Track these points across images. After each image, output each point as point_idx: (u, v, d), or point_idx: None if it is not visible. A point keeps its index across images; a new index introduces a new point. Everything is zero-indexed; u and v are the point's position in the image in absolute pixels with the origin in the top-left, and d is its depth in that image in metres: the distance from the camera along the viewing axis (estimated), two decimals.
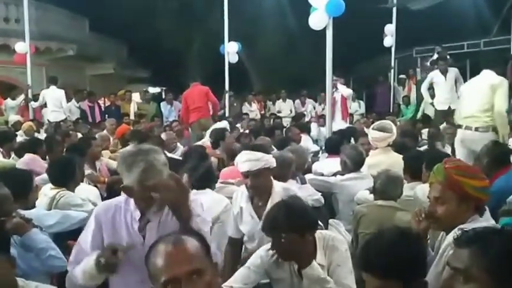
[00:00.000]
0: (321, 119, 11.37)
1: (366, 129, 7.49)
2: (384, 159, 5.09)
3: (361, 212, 3.75)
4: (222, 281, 2.28)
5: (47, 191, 3.97)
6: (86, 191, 4.38)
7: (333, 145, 5.80)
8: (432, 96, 9.74)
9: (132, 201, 2.37)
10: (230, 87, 11.96)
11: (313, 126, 10.71)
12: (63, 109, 11.07)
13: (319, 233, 2.66)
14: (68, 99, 11.58)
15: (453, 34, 14.09)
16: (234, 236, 3.53)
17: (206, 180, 4.10)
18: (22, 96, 11.67)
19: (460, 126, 5.93)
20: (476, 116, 5.73)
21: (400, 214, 3.46)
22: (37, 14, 14.46)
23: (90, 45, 17.07)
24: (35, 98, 11.35)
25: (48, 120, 10.83)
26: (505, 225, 2.49)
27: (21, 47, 11.29)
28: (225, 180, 4.75)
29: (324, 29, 6.64)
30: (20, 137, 7.76)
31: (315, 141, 9.28)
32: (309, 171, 5.34)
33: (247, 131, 8.73)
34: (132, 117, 11.65)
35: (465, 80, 9.53)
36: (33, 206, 3.59)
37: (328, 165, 5.40)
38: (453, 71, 9.52)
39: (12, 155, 6.14)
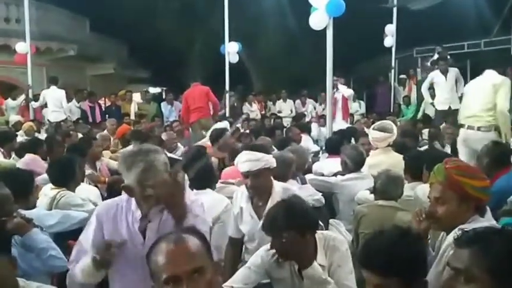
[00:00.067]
0: (321, 119, 11.38)
1: (366, 129, 7.49)
2: (384, 159, 5.09)
3: (361, 212, 3.75)
4: (222, 280, 2.28)
5: (47, 191, 3.98)
6: (86, 191, 4.38)
7: (333, 145, 5.80)
8: (433, 96, 9.74)
9: (133, 200, 2.38)
10: (230, 87, 11.96)
11: (314, 126, 10.72)
12: (63, 109, 11.08)
13: (319, 233, 2.65)
14: (69, 100, 11.59)
15: (453, 34, 14.09)
16: (234, 236, 3.53)
17: (206, 180, 4.10)
18: (23, 97, 11.68)
19: (462, 126, 5.94)
20: (478, 116, 5.73)
21: (401, 214, 3.46)
22: (38, 14, 14.47)
23: (91, 46, 17.07)
24: (36, 98, 11.35)
25: (48, 121, 10.84)
26: (505, 225, 2.49)
27: (22, 47, 11.29)
28: (226, 180, 4.76)
29: (325, 29, 6.64)
30: (21, 137, 7.76)
31: (316, 142, 9.29)
32: (310, 171, 5.34)
33: (247, 131, 8.73)
34: (132, 117, 11.66)
35: (465, 80, 9.56)
36: (34, 206, 3.60)
37: (328, 165, 5.40)
38: (453, 71, 9.52)
39: (13, 155, 6.15)
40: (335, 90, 9.84)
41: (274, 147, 5.74)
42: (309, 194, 4.16)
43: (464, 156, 5.45)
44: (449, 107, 9.24)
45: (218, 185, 4.38)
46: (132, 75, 19.16)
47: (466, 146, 5.72)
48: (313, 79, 12.49)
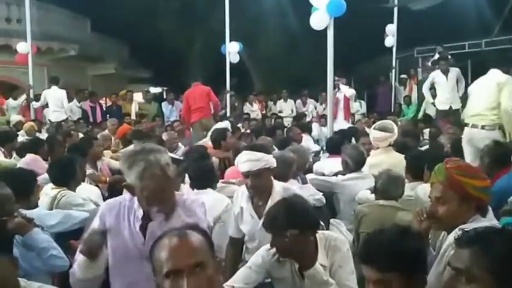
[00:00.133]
0: (322, 118, 11.38)
1: (367, 129, 7.49)
2: (385, 159, 5.09)
3: (362, 211, 3.75)
4: (223, 280, 2.28)
5: (48, 191, 3.98)
6: (87, 191, 4.39)
7: (334, 145, 5.81)
8: (434, 96, 9.74)
9: (135, 199, 2.39)
10: (231, 87, 11.96)
11: (315, 126, 10.71)
12: (64, 109, 11.09)
13: (320, 233, 2.65)
14: (70, 99, 11.60)
15: (454, 34, 14.06)
16: (234, 236, 3.53)
17: (207, 180, 4.12)
18: (24, 96, 11.69)
19: (466, 125, 5.94)
20: (482, 114, 5.74)
21: (401, 214, 3.46)
22: (39, 14, 14.49)
23: (92, 46, 17.07)
24: (37, 98, 11.36)
25: (49, 120, 10.85)
26: (505, 225, 2.49)
27: (23, 47, 11.30)
28: (226, 180, 4.77)
29: (325, 29, 6.64)
30: (22, 137, 7.77)
31: (316, 141, 9.28)
32: (310, 171, 5.34)
33: (248, 131, 8.73)
34: (133, 117, 11.66)
35: (466, 80, 9.56)
36: (36, 206, 3.60)
37: (329, 165, 5.40)
38: (454, 71, 9.52)
39: (14, 154, 6.15)
40: (337, 90, 9.87)
41: (275, 147, 5.74)
42: (310, 194, 4.16)
43: (469, 156, 5.44)
44: (450, 106, 9.24)
45: (219, 184, 4.38)
46: (133, 75, 19.16)
47: (470, 145, 5.71)
48: (314, 79, 12.48)
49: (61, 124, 9.97)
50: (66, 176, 4.06)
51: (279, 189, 3.35)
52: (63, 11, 16.77)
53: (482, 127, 5.70)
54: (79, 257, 2.33)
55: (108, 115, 11.70)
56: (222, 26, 11.75)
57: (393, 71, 13.35)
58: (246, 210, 3.40)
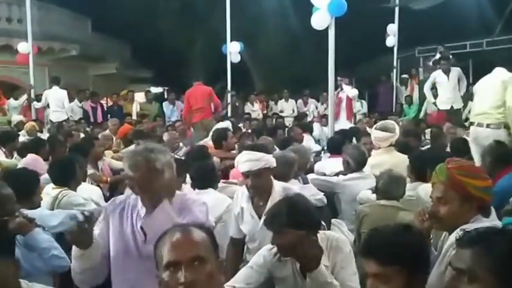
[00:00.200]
0: (323, 118, 11.37)
1: (368, 129, 7.49)
2: (386, 159, 5.08)
3: (363, 211, 3.75)
4: (224, 280, 2.27)
5: (49, 191, 3.99)
6: (88, 191, 4.40)
7: (335, 145, 5.80)
8: (435, 96, 9.74)
9: (139, 198, 2.39)
10: (232, 87, 11.96)
11: (316, 126, 10.70)
12: (65, 109, 11.10)
13: (322, 234, 2.65)
14: (71, 99, 11.61)
15: (456, 34, 14.06)
16: (235, 236, 3.53)
17: (208, 180, 4.12)
18: (25, 96, 11.69)
19: (472, 124, 5.94)
20: (488, 113, 5.73)
21: (403, 214, 3.46)
22: (39, 14, 14.49)
23: (93, 45, 17.08)
24: (38, 98, 11.37)
25: (50, 121, 10.86)
26: (506, 225, 2.48)
27: (24, 47, 11.31)
28: (227, 180, 4.77)
29: (326, 29, 6.63)
30: (23, 137, 7.78)
31: (317, 141, 9.27)
32: (311, 171, 5.34)
33: (249, 131, 8.72)
34: (134, 117, 11.66)
35: (468, 80, 9.55)
36: (39, 207, 3.60)
37: (330, 165, 5.40)
38: (456, 71, 9.52)
39: (15, 154, 6.16)
40: (339, 90, 9.87)
41: (276, 147, 5.74)
42: (311, 194, 4.15)
43: (476, 155, 5.43)
44: (452, 106, 9.23)
45: (220, 184, 4.39)
46: (134, 75, 19.17)
47: (476, 144, 5.71)
48: (315, 79, 12.48)
49: (62, 124, 9.98)
50: (66, 175, 4.07)
51: (279, 189, 3.35)
52: (64, 11, 16.78)
53: (488, 126, 5.70)
54: (73, 249, 2.32)
55: (109, 115, 11.71)
56: (222, 25, 11.75)
57: (394, 70, 13.35)
58: (246, 210, 3.40)
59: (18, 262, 2.47)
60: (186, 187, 4.08)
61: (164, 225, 1.98)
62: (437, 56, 11.90)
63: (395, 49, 12.70)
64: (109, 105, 13.42)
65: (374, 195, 3.94)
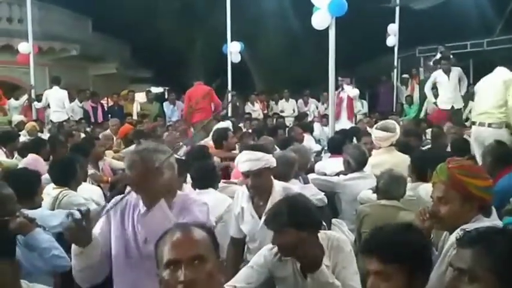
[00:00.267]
0: (323, 118, 11.37)
1: (369, 129, 7.48)
2: (387, 158, 5.08)
3: (364, 211, 3.75)
4: (224, 280, 2.28)
5: (49, 191, 3.99)
6: (89, 191, 4.40)
7: (336, 145, 5.80)
8: (435, 96, 9.73)
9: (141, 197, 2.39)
10: (232, 87, 11.96)
11: (316, 125, 10.70)
12: (65, 109, 11.10)
13: (323, 233, 2.65)
14: (71, 100, 11.61)
15: (456, 34, 14.06)
16: (235, 236, 3.53)
17: (209, 179, 4.12)
18: (25, 96, 11.70)
19: (474, 123, 5.94)
20: (489, 113, 5.74)
21: (403, 214, 3.46)
22: (40, 14, 14.49)
23: (93, 45, 17.07)
24: (38, 98, 11.37)
25: (51, 121, 10.86)
26: (507, 225, 2.49)
27: (24, 47, 11.31)
28: (228, 180, 4.77)
29: (327, 29, 6.63)
30: (23, 137, 7.78)
31: (318, 141, 9.27)
32: (312, 170, 5.34)
33: (249, 131, 8.73)
34: (135, 117, 11.66)
35: (468, 80, 9.55)
36: (40, 207, 3.60)
37: (331, 164, 5.40)
38: (456, 70, 9.51)
39: (16, 154, 6.16)
40: (340, 90, 9.87)
41: (276, 147, 5.75)
42: (312, 194, 4.14)
43: (478, 154, 5.43)
44: (452, 106, 9.23)
45: (220, 184, 4.39)
46: (134, 75, 19.17)
47: (478, 143, 5.71)
48: (316, 79, 12.48)
49: (63, 124, 9.98)
50: (66, 175, 4.07)
51: (279, 188, 3.35)
52: (64, 11, 16.78)
53: (489, 125, 5.71)
54: (72, 247, 2.32)
55: (109, 115, 11.70)
56: (222, 26, 11.74)
57: (395, 70, 13.34)
58: (247, 210, 3.40)
59: (18, 263, 2.46)
60: (187, 187, 4.09)
61: (160, 225, 2.00)
62: (438, 55, 11.89)
63: (395, 49, 12.69)
64: (109, 105, 13.41)
65: (374, 195, 3.94)
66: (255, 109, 13.66)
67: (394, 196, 3.72)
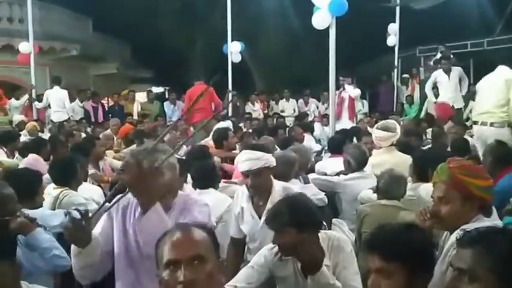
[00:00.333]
0: (324, 118, 11.37)
1: (369, 129, 7.48)
2: (387, 158, 5.08)
3: (364, 211, 3.75)
4: (224, 280, 2.28)
5: (50, 191, 3.99)
6: (89, 191, 4.40)
7: (336, 144, 5.80)
8: (436, 95, 9.73)
9: None
10: (233, 87, 11.96)
11: (317, 125, 10.70)
12: (66, 109, 11.11)
13: (323, 233, 2.65)
14: (72, 99, 11.62)
15: (456, 33, 14.06)
16: (236, 236, 3.53)
17: (209, 179, 4.12)
18: (26, 96, 11.71)
19: (476, 123, 5.94)
20: (491, 112, 5.74)
21: (404, 214, 3.46)
22: (40, 14, 14.49)
23: (94, 45, 17.07)
24: (39, 98, 11.38)
25: (51, 121, 10.87)
26: (507, 225, 2.49)
27: (25, 47, 11.32)
28: (228, 180, 4.77)
29: (327, 29, 6.63)
30: (24, 137, 7.78)
31: (318, 141, 9.27)
32: (312, 170, 5.34)
33: (250, 130, 8.73)
34: (135, 117, 11.66)
35: (469, 80, 9.54)
36: (41, 206, 3.60)
37: (331, 164, 5.40)
38: (457, 70, 9.52)
39: (16, 154, 6.16)
40: (341, 89, 9.86)
41: (277, 147, 5.74)
42: (312, 194, 4.15)
43: (481, 153, 5.43)
44: (453, 106, 9.23)
45: (221, 184, 4.39)
46: (134, 75, 19.18)
47: (481, 142, 5.71)
48: (316, 78, 12.48)
49: (63, 124, 9.99)
50: (67, 175, 4.07)
51: (279, 188, 3.35)
52: (65, 11, 16.78)
53: (491, 124, 5.71)
54: (71, 246, 2.32)
55: (110, 115, 11.71)
56: (223, 25, 11.74)
57: (395, 70, 13.34)
58: (247, 210, 3.40)
59: (19, 264, 2.46)
60: (188, 187, 4.09)
61: (156, 228, 1.99)
62: (438, 55, 11.90)
63: (396, 49, 12.68)
64: (110, 105, 13.41)
65: (375, 195, 3.94)
66: (256, 109, 13.67)
67: (395, 196, 3.72)
